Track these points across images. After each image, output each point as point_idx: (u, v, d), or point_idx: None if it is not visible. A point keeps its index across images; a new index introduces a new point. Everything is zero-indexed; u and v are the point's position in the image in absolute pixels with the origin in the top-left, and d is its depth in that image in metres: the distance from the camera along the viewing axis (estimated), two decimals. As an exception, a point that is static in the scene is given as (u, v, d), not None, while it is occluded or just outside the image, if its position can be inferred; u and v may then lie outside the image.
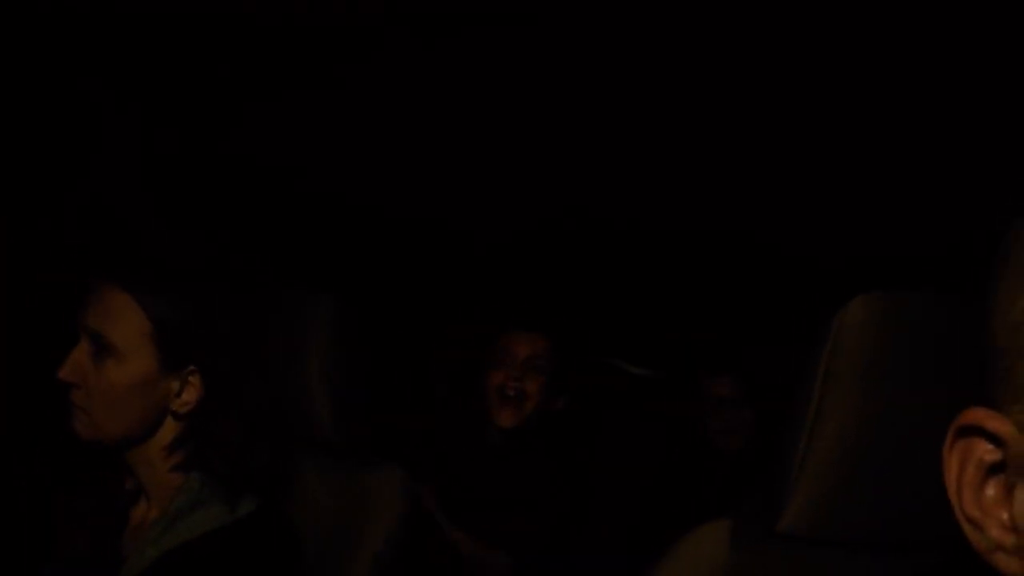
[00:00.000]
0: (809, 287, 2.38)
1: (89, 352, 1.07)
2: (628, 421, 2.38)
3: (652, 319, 2.73)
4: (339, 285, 1.42)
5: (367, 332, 1.42)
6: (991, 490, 0.48)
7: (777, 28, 1.87)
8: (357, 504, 1.25)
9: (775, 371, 2.17)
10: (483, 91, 2.21)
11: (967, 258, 2.05)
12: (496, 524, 1.97)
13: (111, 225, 1.99)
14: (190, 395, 1.09)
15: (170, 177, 2.20)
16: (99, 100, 2.04)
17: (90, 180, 2.07)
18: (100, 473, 1.15)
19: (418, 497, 1.31)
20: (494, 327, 2.13)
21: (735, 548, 0.91)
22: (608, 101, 2.33)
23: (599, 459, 2.25)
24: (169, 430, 1.10)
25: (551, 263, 2.70)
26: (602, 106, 2.40)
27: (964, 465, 0.49)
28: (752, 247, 2.53)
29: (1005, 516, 0.47)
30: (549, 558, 2.02)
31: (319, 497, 1.26)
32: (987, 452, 0.48)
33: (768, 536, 0.91)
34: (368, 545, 1.22)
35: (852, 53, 1.97)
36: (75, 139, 2.06)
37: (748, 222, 2.47)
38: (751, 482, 2.14)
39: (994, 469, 0.48)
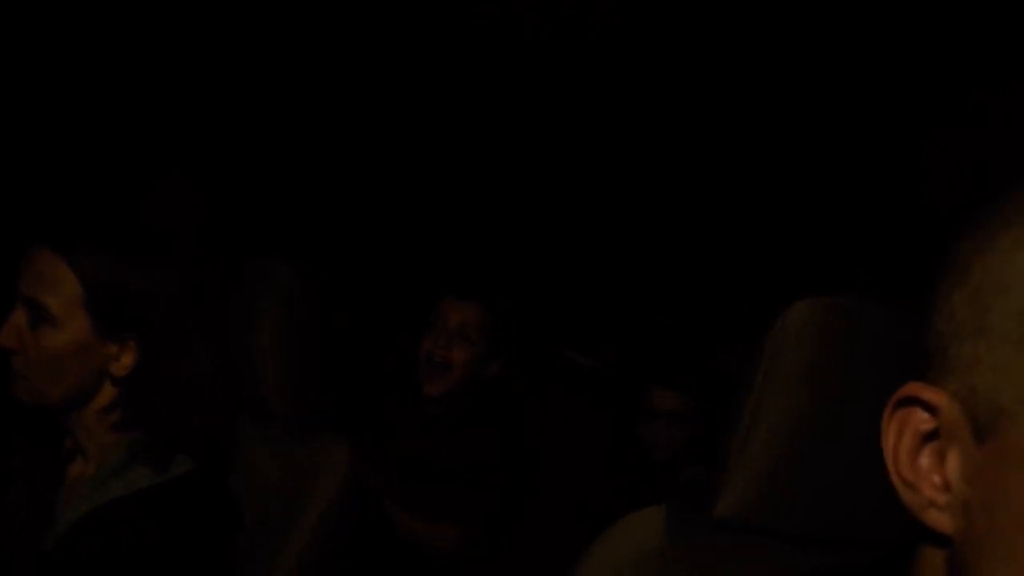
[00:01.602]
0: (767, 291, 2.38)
1: (26, 318, 1.06)
2: (578, 407, 2.36)
3: (610, 312, 2.74)
4: (292, 253, 1.41)
5: (320, 301, 1.40)
6: (926, 456, 0.52)
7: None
8: (300, 473, 1.24)
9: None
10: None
11: (906, 266, 2.08)
12: (439, 496, 1.95)
13: (52, 189, 1.99)
14: (128, 359, 1.08)
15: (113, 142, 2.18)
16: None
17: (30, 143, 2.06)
18: (38, 432, 1.15)
19: (361, 470, 1.29)
20: (437, 295, 2.09)
21: (669, 534, 0.92)
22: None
23: (547, 442, 2.21)
24: (107, 393, 1.10)
25: (506, 235, 2.71)
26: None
27: (901, 433, 0.53)
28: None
29: (938, 479, 0.51)
30: (496, 533, 2.01)
31: (261, 465, 1.25)
32: (923, 421, 0.52)
33: (702, 524, 0.92)
34: (309, 514, 1.21)
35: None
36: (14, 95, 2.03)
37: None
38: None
39: (929, 437, 0.52)
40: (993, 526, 0.48)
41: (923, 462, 0.52)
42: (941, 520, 0.51)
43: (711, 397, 2.15)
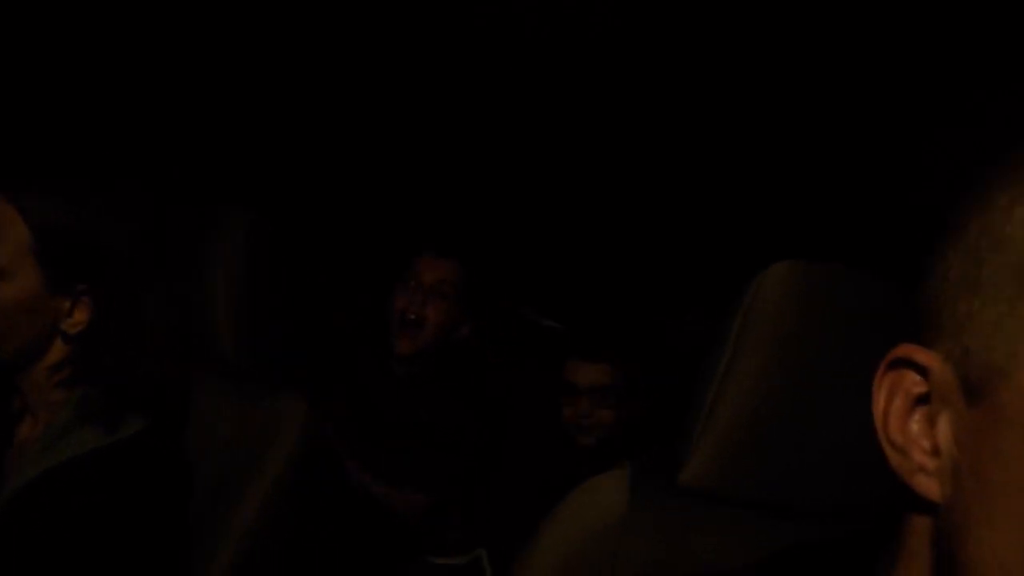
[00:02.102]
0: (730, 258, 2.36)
1: None
2: (544, 370, 2.24)
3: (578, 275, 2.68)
4: (253, 200, 1.34)
5: (280, 252, 1.33)
6: (916, 419, 0.51)
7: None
8: (256, 431, 1.19)
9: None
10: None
11: (883, 236, 2.06)
12: (406, 459, 1.91)
13: None
14: (81, 315, 1.01)
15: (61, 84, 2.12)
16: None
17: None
18: None
19: (320, 427, 1.24)
20: (411, 251, 2.03)
21: (632, 499, 0.91)
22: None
23: (513, 406, 2.13)
24: (58, 350, 1.03)
25: (480, 191, 2.68)
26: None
27: (892, 396, 0.52)
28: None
29: (927, 444, 0.50)
30: (461, 498, 1.97)
31: (216, 423, 1.20)
32: (915, 384, 0.51)
33: (667, 490, 0.91)
34: (267, 472, 1.17)
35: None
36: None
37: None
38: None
39: (920, 401, 0.51)
40: (983, 490, 0.47)
41: (913, 426, 0.51)
42: (929, 486, 0.50)
43: (661, 373, 1.93)
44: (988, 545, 0.47)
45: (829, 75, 2.32)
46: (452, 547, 1.98)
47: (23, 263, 0.98)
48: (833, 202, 2.32)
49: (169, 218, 1.20)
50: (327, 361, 2.08)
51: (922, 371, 0.51)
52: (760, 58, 2.37)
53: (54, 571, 0.92)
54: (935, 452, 0.50)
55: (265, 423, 1.20)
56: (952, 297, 0.51)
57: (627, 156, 2.59)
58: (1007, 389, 0.47)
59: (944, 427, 0.50)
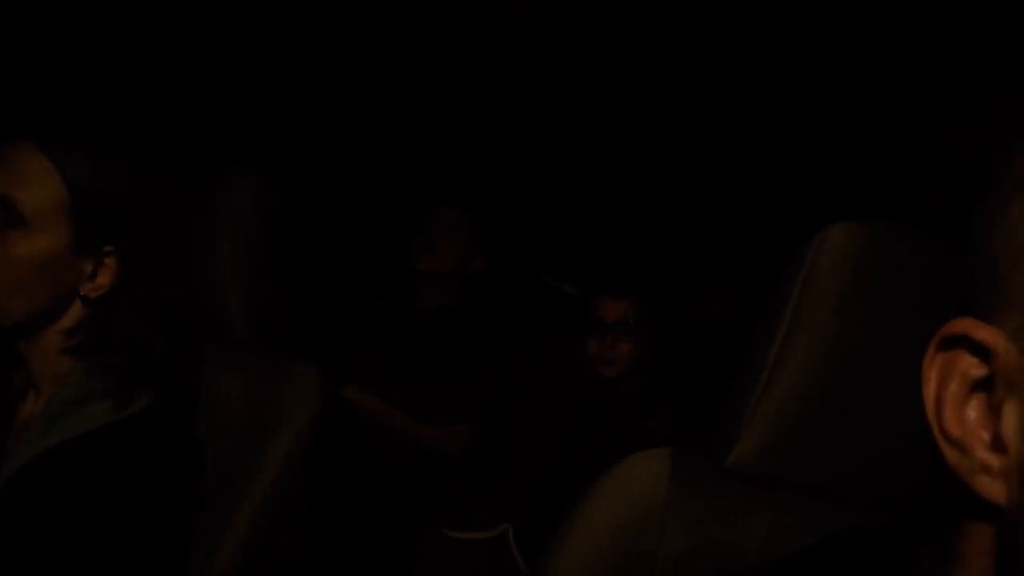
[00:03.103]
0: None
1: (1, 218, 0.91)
2: (563, 333, 2.28)
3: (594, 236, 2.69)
4: (263, 161, 1.28)
5: (292, 216, 1.27)
6: (974, 407, 0.43)
7: None
8: (267, 405, 1.14)
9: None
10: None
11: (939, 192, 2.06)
12: (442, 398, 2.01)
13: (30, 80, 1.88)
14: (104, 279, 0.95)
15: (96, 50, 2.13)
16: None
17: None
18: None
19: (333, 398, 1.22)
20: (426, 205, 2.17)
21: (674, 478, 0.85)
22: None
23: (531, 365, 2.21)
24: (74, 314, 0.96)
25: (492, 148, 2.68)
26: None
27: (946, 380, 0.44)
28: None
29: (988, 436, 0.42)
30: (497, 429, 2.05)
31: (228, 397, 1.15)
32: (973, 366, 0.43)
33: (711, 470, 0.84)
34: (278, 447, 1.12)
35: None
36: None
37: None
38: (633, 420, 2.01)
39: (979, 386, 0.43)
40: None
41: (971, 415, 0.43)
42: (992, 488, 0.42)
43: (684, 342, 2.07)
44: None
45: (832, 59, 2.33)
46: (476, 521, 1.97)
47: (53, 218, 0.92)
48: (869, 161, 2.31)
49: (184, 182, 1.13)
50: (350, 321, 2.15)
51: (982, 351, 0.43)
52: (760, 55, 2.37)
53: (62, 549, 0.87)
54: (998, 447, 0.42)
55: (278, 395, 1.15)
56: (1019, 260, 0.43)
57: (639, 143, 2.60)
58: None
59: (1011, 418, 0.42)
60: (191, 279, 1.08)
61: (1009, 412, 0.42)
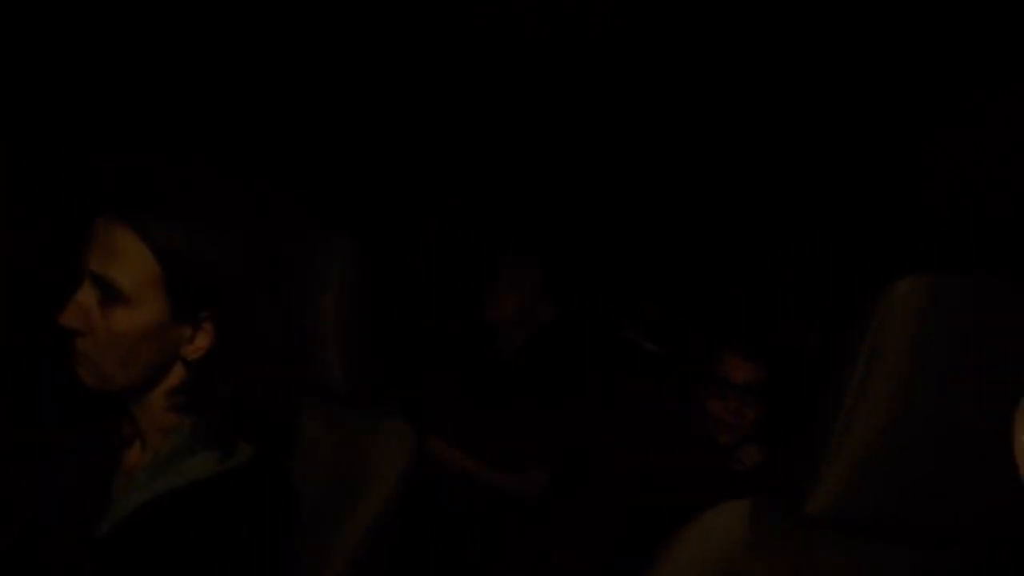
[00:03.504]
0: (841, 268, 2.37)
1: (96, 298, 0.96)
2: (642, 389, 2.31)
3: (673, 294, 2.71)
4: (354, 224, 1.34)
5: (384, 277, 1.37)
6: None
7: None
8: (360, 459, 1.18)
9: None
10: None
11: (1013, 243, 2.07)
12: (515, 441, 2.06)
13: (117, 160, 1.92)
14: (203, 342, 1.00)
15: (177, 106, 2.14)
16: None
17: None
18: (95, 414, 1.07)
19: (422, 452, 1.24)
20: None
21: (758, 526, 0.88)
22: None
23: (608, 419, 2.19)
24: (176, 376, 1.01)
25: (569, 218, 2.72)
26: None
27: None
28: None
29: None
30: (573, 472, 2.06)
31: (321, 450, 1.20)
32: None
33: (790, 518, 0.86)
34: (368, 501, 1.16)
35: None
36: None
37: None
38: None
39: None
40: None
41: None
42: None
43: (781, 376, 1.95)
44: None
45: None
46: (559, 566, 1.96)
47: (149, 292, 0.96)
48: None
49: (279, 245, 1.17)
50: (430, 373, 2.23)
51: None
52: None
53: None
54: None
55: (372, 450, 1.19)
56: None
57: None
58: None
59: None
60: (291, 337, 1.12)
61: None
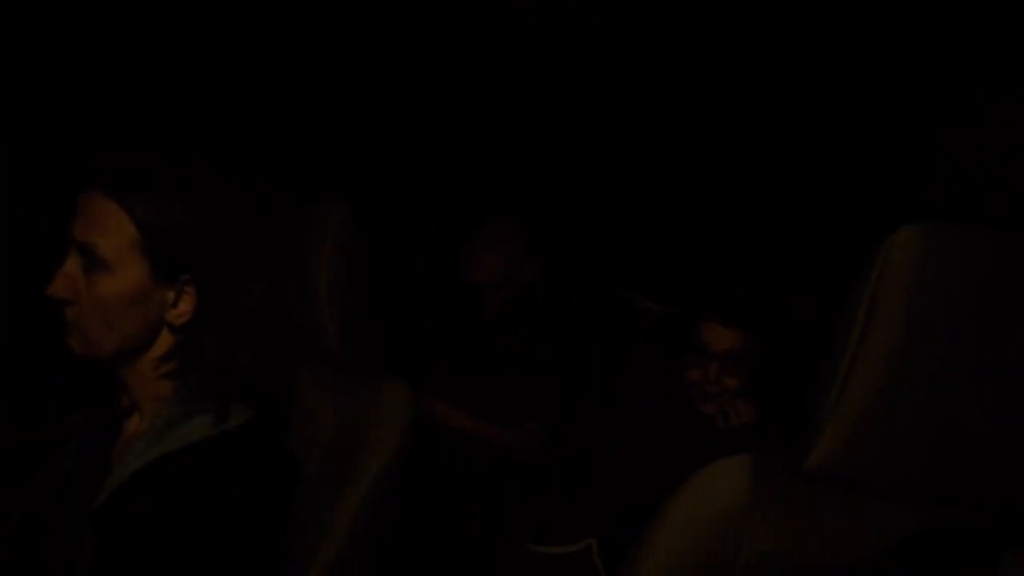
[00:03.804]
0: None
1: (80, 265, 1.00)
2: (645, 351, 2.27)
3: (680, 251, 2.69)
4: (349, 192, 1.36)
5: (378, 243, 1.36)
6: None
7: None
8: (359, 423, 1.19)
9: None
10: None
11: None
12: (511, 395, 2.07)
13: (100, 131, 1.95)
14: (186, 305, 1.02)
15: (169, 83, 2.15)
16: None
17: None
18: (93, 390, 1.10)
19: (421, 414, 1.25)
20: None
21: (755, 483, 0.87)
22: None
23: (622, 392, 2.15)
24: (164, 342, 1.04)
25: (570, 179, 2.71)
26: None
27: None
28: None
29: None
30: (568, 426, 2.08)
31: (320, 414, 1.20)
32: None
33: (792, 474, 0.84)
34: (369, 465, 1.16)
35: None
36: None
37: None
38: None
39: None
40: None
41: None
42: None
43: (774, 342, 1.89)
44: None
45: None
46: (559, 535, 1.94)
47: (129, 256, 0.99)
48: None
49: (272, 212, 1.20)
50: (423, 332, 2.25)
51: None
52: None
53: (161, 558, 0.92)
54: None
55: (369, 412, 1.19)
56: None
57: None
58: None
59: None
60: (287, 303, 1.15)
61: None
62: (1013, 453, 0.77)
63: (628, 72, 2.48)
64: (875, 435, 0.81)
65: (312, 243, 1.21)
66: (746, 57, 2.39)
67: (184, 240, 1.00)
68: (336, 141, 2.52)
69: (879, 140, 2.46)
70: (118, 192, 0.99)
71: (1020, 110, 2.29)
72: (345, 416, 1.20)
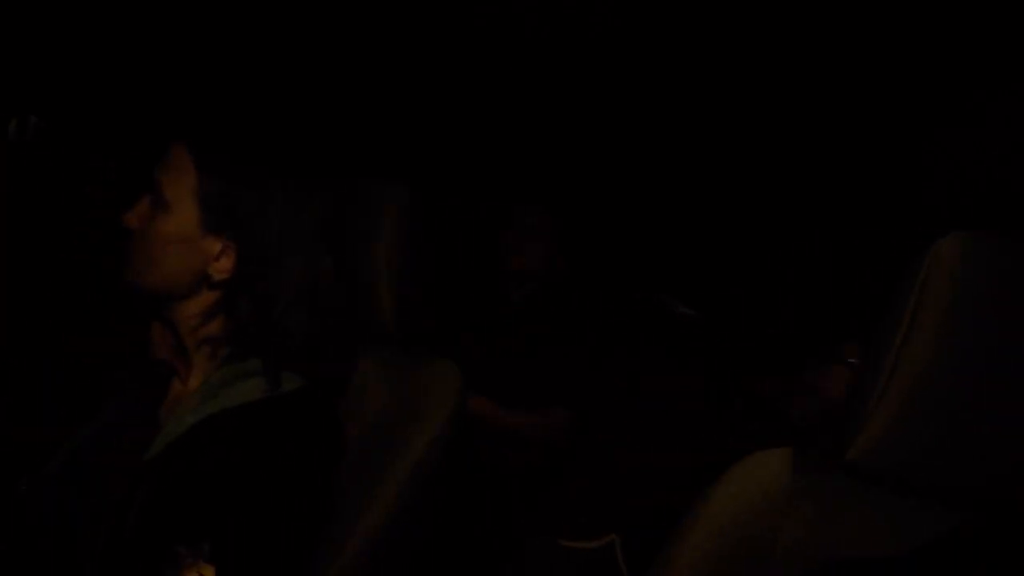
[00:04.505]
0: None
1: (149, 203, 1.09)
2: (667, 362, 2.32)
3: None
4: (410, 174, 1.42)
5: (436, 225, 1.38)
6: None
7: None
8: (410, 399, 1.23)
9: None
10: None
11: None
12: (536, 381, 2.08)
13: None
14: (227, 262, 1.08)
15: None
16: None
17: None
18: (142, 346, 1.15)
19: (466, 398, 1.28)
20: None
21: (792, 477, 0.89)
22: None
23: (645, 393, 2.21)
24: (207, 296, 1.10)
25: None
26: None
27: None
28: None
29: None
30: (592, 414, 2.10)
31: (369, 387, 1.25)
32: None
33: (829, 469, 0.88)
34: (417, 439, 1.19)
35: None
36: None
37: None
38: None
39: None
40: None
41: None
42: None
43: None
44: None
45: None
46: (583, 530, 1.96)
47: (185, 201, 1.07)
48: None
49: (339, 193, 1.24)
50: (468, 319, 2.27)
51: None
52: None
53: (213, 513, 0.97)
54: None
55: (420, 389, 1.23)
56: None
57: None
58: None
59: None
60: (349, 277, 1.20)
61: None
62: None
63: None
64: (915, 432, 0.84)
65: (373, 222, 1.26)
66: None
67: (233, 199, 1.07)
68: (393, 128, 2.53)
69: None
70: (193, 143, 1.09)
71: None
72: (395, 391, 1.24)
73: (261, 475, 0.99)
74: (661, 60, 2.39)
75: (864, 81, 2.40)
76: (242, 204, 1.07)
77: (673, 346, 2.38)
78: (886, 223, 2.38)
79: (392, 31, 2.36)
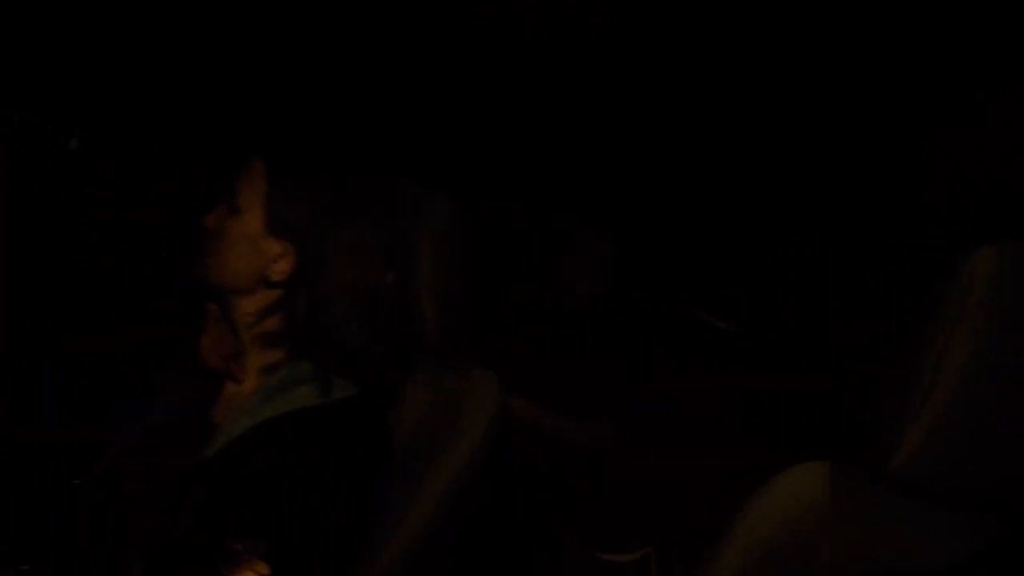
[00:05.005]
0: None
1: (227, 206, 1.17)
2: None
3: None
4: (455, 185, 1.45)
5: (479, 236, 1.43)
6: None
7: None
8: (450, 409, 1.24)
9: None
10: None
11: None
12: (582, 391, 2.06)
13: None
14: (285, 264, 1.15)
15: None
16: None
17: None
18: (199, 347, 1.22)
19: (507, 408, 1.30)
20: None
21: (834, 489, 0.89)
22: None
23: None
24: (265, 295, 1.17)
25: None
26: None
27: None
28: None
29: None
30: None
31: (412, 395, 1.26)
32: None
33: (869, 482, 0.88)
34: (457, 449, 1.21)
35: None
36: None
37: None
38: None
39: None
40: None
41: None
42: None
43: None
44: None
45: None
46: (618, 542, 1.96)
47: (254, 205, 1.16)
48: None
49: (385, 202, 1.30)
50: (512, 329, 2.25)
51: None
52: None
53: (268, 512, 1.04)
54: None
55: (460, 399, 1.25)
56: None
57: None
58: None
59: None
60: (387, 290, 1.23)
61: None
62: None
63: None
64: (954, 445, 0.84)
65: (419, 234, 1.28)
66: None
67: (294, 206, 1.16)
68: (438, 138, 2.54)
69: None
70: (272, 164, 1.18)
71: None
72: (435, 401, 1.26)
73: (315, 479, 1.06)
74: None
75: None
76: (302, 212, 1.16)
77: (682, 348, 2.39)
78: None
79: (403, 36, 2.37)
